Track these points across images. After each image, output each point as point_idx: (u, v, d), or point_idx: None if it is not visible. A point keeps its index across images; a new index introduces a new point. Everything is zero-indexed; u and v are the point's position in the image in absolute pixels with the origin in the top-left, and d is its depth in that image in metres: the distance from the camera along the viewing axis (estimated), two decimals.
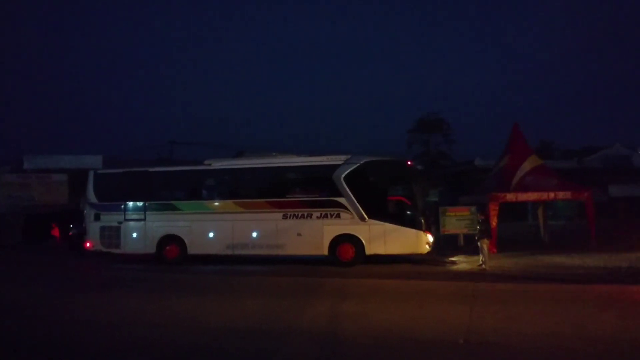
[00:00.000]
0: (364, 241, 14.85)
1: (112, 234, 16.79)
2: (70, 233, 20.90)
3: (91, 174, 17.86)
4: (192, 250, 16.23)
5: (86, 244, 17.17)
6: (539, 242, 20.29)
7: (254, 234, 15.73)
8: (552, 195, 18.15)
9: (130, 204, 16.90)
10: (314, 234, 15.22)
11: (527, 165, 18.80)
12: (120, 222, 16.78)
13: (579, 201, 20.10)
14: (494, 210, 17.29)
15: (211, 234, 16.13)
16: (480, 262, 14.05)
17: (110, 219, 16.92)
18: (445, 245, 17.64)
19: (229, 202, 16.29)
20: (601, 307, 8.64)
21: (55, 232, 19.52)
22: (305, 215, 15.38)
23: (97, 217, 17.11)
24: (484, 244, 13.96)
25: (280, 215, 15.55)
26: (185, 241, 16.23)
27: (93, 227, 17.09)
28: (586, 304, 8.91)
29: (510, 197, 17.88)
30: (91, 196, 17.43)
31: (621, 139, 56.47)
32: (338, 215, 15.09)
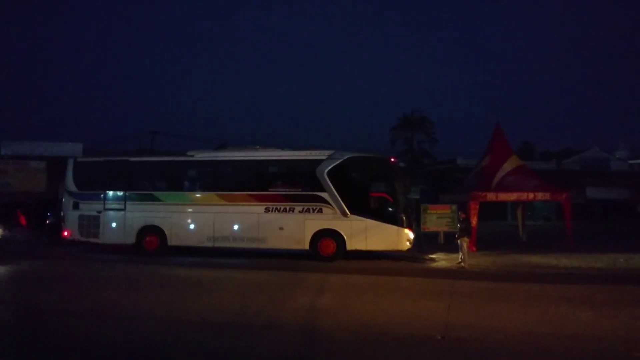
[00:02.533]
0: (345, 236, 14.89)
1: (91, 223, 16.54)
2: (48, 221, 20.52)
3: (71, 162, 17.56)
4: (172, 241, 16.08)
5: (64, 232, 16.90)
6: (517, 241, 20.58)
7: (236, 227, 15.65)
8: (531, 195, 18.42)
9: (110, 193, 16.67)
10: (295, 228, 15.21)
11: (507, 166, 19.03)
12: (99, 212, 16.55)
13: (557, 202, 20.45)
14: (474, 209, 17.46)
15: (192, 226, 16.01)
16: (460, 260, 14.21)
17: (89, 208, 16.67)
18: (425, 243, 17.79)
19: (211, 194, 16.17)
20: (576, 306, 8.81)
21: (22, 220, 19.04)
22: (288, 209, 15.35)
23: (75, 206, 16.84)
24: (464, 242, 14.11)
25: (262, 208, 15.50)
26: (166, 232, 16.07)
27: (71, 216, 16.82)
28: (561, 303, 9.06)
29: (490, 196, 18.09)
30: (70, 184, 17.14)
31: (599, 142, 57.57)
32: (320, 210, 15.10)
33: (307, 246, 15.19)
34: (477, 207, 17.71)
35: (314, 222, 15.13)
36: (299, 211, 15.24)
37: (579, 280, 11.93)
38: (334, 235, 15.00)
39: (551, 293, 10.28)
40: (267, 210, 15.47)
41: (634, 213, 39.71)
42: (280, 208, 15.41)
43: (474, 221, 16.91)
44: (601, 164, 46.18)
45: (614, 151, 52.82)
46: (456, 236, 14.62)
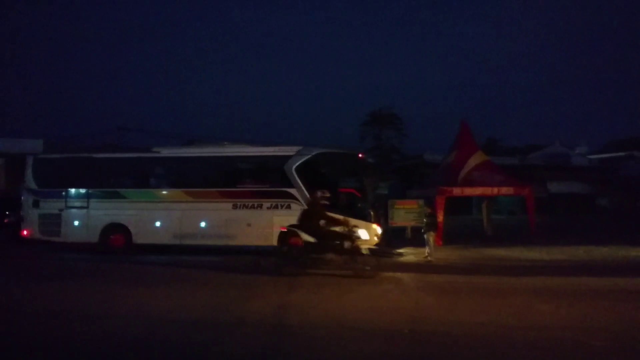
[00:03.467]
0: None
1: (52, 222, 16.05)
2: (6, 220, 19.82)
3: (30, 159, 16.98)
4: (137, 239, 15.76)
5: (23, 231, 16.34)
6: (483, 235, 21.01)
7: (203, 224, 15.45)
8: (495, 190, 18.84)
9: (73, 190, 16.20)
10: (264, 225, 15.11)
11: (473, 161, 19.39)
12: (61, 210, 16.06)
13: (521, 196, 20.97)
14: (440, 204, 17.73)
15: (158, 223, 15.72)
16: (427, 254, 14.39)
17: (50, 206, 16.17)
18: (393, 238, 17.96)
19: (178, 191, 15.92)
20: (539, 297, 9.04)
21: None
22: (256, 205, 15.24)
23: (36, 204, 16.31)
24: (431, 237, 14.30)
25: (230, 205, 15.34)
26: (131, 230, 15.73)
27: (31, 214, 16.28)
28: (525, 295, 9.29)
29: (456, 191, 18.41)
30: (30, 182, 16.57)
31: (561, 138, 59.38)
32: (289, 206, 15.04)
33: (275, 242, 15.10)
34: (444, 201, 17.99)
35: (283, 218, 15.04)
36: (267, 207, 15.15)
37: (542, 272, 12.26)
38: None
39: (515, 285, 10.53)
40: (234, 206, 15.32)
41: (593, 206, 41.14)
42: (248, 204, 15.29)
43: (440, 216, 17.16)
44: (562, 159, 47.72)
45: (575, 147, 54.66)
46: (423, 231, 14.80)
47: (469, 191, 18.87)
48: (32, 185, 16.53)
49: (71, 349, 6.19)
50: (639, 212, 37.79)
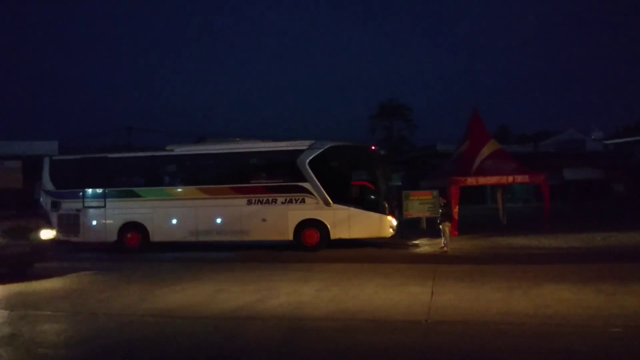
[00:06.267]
0: (328, 226, 14.94)
1: (71, 222, 16.31)
2: None
3: (47, 161, 17.24)
4: (154, 237, 15.96)
5: None
6: (498, 224, 20.91)
7: (218, 220, 15.60)
8: (510, 178, 18.71)
9: (89, 190, 16.45)
10: (278, 219, 15.21)
11: (486, 150, 19.27)
12: (78, 210, 16.33)
13: (535, 184, 20.80)
14: (455, 194, 17.65)
15: (174, 221, 15.89)
16: (442, 245, 14.37)
17: (68, 206, 16.43)
18: (408, 229, 17.95)
19: (192, 188, 16.07)
20: (556, 285, 8.99)
21: None
22: (270, 200, 15.34)
23: (54, 205, 16.58)
24: (446, 227, 14.26)
25: (244, 201, 15.45)
26: (148, 228, 15.93)
27: (50, 215, 16.52)
28: (542, 283, 9.23)
29: (471, 180, 18.31)
30: (47, 183, 16.85)
31: (575, 124, 58.70)
32: (303, 200, 15.12)
33: (291, 237, 15.21)
34: (458, 191, 17.91)
35: (297, 213, 15.15)
36: (282, 202, 15.24)
37: (559, 259, 12.20)
38: (318, 225, 15.03)
39: (532, 273, 10.47)
40: (249, 202, 15.43)
41: (608, 192, 40.63)
42: (262, 200, 15.39)
43: (455, 206, 17.09)
44: (577, 145, 47.10)
45: (590, 132, 53.95)
46: (438, 221, 14.77)
47: (483, 180, 18.76)
48: (50, 186, 16.80)
49: (84, 345, 6.32)
50: None
